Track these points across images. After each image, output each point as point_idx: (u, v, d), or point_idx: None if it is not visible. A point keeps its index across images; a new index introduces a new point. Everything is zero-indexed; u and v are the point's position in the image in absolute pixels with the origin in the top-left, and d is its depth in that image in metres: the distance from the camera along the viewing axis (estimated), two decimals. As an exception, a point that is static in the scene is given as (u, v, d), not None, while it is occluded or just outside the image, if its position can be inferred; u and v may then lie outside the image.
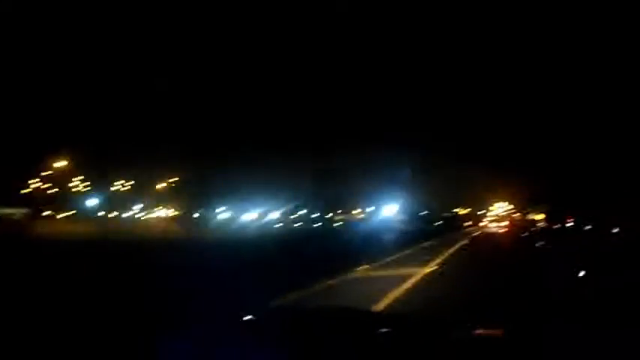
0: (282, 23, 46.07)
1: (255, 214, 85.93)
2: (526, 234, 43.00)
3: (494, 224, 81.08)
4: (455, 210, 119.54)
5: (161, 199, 72.78)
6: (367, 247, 24.56)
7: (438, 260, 18.77)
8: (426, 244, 29.32)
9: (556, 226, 57.54)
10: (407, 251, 23.13)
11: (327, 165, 75.22)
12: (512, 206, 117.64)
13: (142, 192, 68.30)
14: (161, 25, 46.45)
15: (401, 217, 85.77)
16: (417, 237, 34.05)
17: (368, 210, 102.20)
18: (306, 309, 4.42)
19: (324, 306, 5.16)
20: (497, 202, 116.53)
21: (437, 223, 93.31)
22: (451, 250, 24.08)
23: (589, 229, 42.93)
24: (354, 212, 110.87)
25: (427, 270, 14.66)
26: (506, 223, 76.72)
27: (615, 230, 33.88)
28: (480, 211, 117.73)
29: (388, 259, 18.28)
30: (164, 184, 69.91)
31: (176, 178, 69.12)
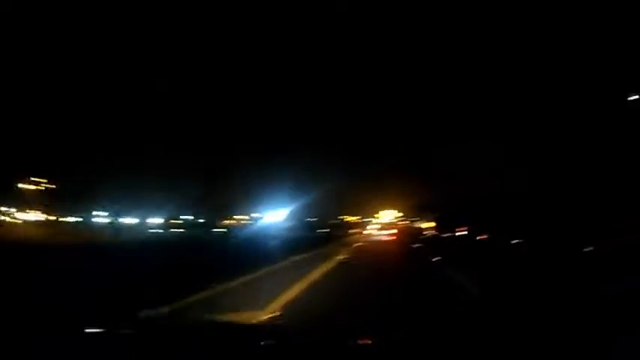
0: (281, 23, 46.30)
1: (136, 219, 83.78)
2: (416, 245, 39.29)
3: (384, 232, 75.49)
4: (340, 217, 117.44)
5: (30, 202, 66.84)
6: (234, 259, 23.24)
7: (310, 280, 15.11)
8: (299, 257, 25.17)
9: (445, 235, 52.36)
10: (277, 265, 20.32)
11: (219, 166, 74.00)
12: (401, 214, 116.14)
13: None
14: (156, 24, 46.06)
15: (288, 223, 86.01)
16: (296, 246, 31.99)
17: (254, 215, 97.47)
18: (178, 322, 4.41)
19: (194, 319, 5.44)
20: (386, 209, 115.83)
21: (323, 231, 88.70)
22: (326, 267, 19.69)
23: (483, 239, 37.99)
24: (238, 218, 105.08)
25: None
26: (394, 231, 73.41)
27: (515, 241, 28.90)
28: (368, 217, 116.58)
29: (247, 278, 15.20)
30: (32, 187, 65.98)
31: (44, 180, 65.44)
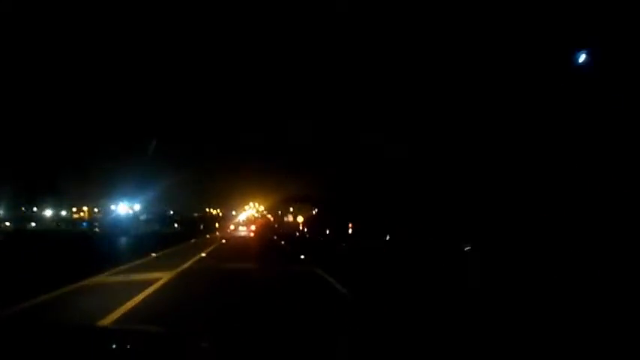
0: (281, 23, 46.02)
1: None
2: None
3: (243, 229, 70.63)
4: (195, 214, 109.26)
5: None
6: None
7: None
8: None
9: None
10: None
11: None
12: (262, 208, 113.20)
13: None
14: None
15: (141, 217, 79.06)
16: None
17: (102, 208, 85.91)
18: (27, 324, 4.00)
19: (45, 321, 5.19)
20: (250, 202, 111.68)
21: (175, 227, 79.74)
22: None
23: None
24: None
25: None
26: (254, 227, 69.20)
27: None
28: (230, 211, 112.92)
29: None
30: None
31: None
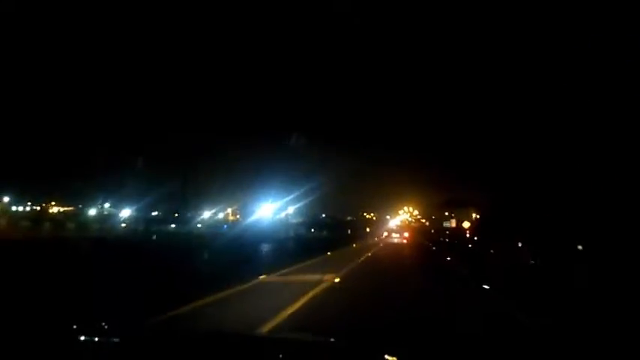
0: (281, 23, 45.49)
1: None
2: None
3: (396, 235, 64.28)
4: (349, 217, 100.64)
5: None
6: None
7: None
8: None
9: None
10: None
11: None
12: (416, 212, 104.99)
13: None
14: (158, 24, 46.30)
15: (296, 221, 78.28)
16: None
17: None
18: (177, 333, 3.82)
19: (196, 330, 4.85)
20: (404, 206, 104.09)
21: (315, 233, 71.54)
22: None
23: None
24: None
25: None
26: (407, 234, 62.29)
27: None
28: (384, 215, 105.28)
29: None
30: None
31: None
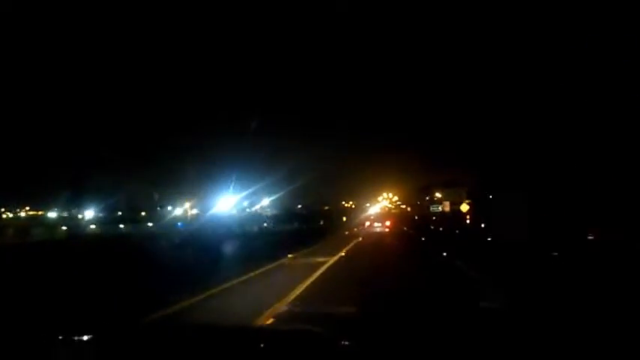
0: (282, 23, 46.69)
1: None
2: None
3: (378, 224, 57.09)
4: (326, 207, 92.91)
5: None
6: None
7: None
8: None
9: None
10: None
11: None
12: (396, 198, 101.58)
13: None
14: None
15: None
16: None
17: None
18: (178, 327, 4.13)
19: (197, 324, 4.84)
20: (383, 192, 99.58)
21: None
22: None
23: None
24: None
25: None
26: (389, 223, 55.59)
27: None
28: (364, 203, 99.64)
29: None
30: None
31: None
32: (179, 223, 72.30)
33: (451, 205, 50.61)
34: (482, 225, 30.46)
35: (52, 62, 46.53)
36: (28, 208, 74.68)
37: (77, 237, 51.66)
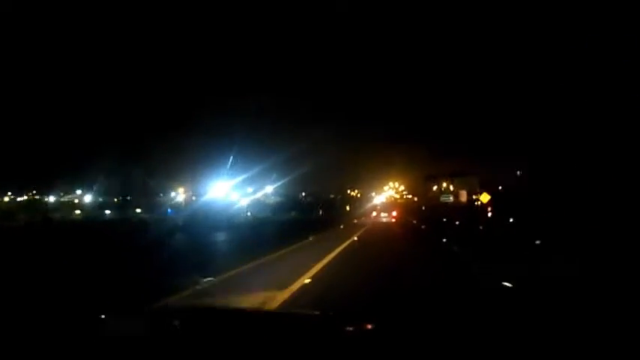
0: (282, 23, 46.60)
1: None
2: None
3: (384, 215, 55.34)
4: (332, 196, 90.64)
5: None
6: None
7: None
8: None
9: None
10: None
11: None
12: (402, 188, 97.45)
13: None
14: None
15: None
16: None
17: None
18: (187, 310, 3.91)
19: (203, 307, 4.84)
20: (389, 182, 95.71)
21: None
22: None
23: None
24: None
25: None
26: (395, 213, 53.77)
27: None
28: (370, 192, 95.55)
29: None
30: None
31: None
32: (169, 210, 67.49)
33: (469, 195, 45.26)
34: (511, 220, 25.23)
35: (45, 54, 46.22)
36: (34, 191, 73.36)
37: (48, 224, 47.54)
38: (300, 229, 26.87)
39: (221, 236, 28.05)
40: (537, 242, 15.02)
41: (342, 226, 36.90)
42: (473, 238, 20.23)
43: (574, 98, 32.70)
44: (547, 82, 38.32)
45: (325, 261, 13.46)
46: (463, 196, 48.37)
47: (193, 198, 71.33)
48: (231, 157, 49.72)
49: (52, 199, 72.11)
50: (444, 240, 18.89)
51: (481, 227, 25.04)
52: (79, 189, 72.59)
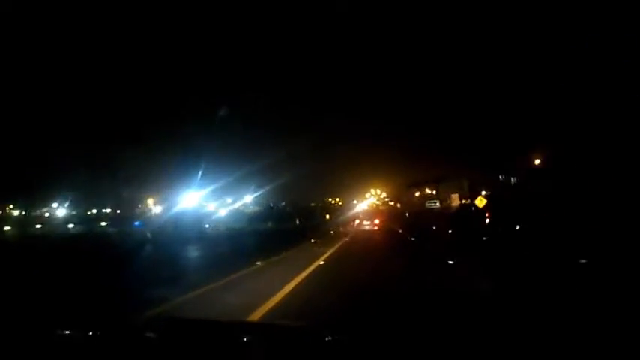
0: (282, 23, 47.48)
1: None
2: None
3: (367, 223, 53.07)
4: (312, 204, 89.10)
5: None
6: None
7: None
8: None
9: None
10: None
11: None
12: (384, 195, 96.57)
13: None
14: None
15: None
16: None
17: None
18: (176, 320, 4.35)
19: (192, 318, 5.17)
20: (370, 189, 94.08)
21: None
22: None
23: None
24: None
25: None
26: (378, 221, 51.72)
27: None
28: (351, 200, 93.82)
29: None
30: None
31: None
32: (136, 223, 63.24)
33: (462, 199, 41.72)
34: (517, 227, 21.57)
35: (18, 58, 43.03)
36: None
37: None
38: (263, 245, 23.15)
39: (184, 251, 24.28)
40: (582, 261, 11.13)
41: (313, 240, 30.67)
42: (481, 254, 16.21)
43: (575, 95, 31.66)
44: (536, 81, 37.72)
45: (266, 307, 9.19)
46: (455, 201, 44.71)
47: (163, 209, 67.64)
48: (202, 167, 47.36)
49: (15, 213, 68.21)
50: (450, 262, 14.29)
51: (485, 238, 21.22)
52: (54, 202, 70.03)
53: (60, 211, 70.46)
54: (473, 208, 31.13)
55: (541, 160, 35.94)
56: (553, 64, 34.61)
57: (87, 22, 44.49)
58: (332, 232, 42.14)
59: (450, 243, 21.94)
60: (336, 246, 25.12)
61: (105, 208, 74.15)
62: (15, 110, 47.88)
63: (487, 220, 27.51)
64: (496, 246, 18.24)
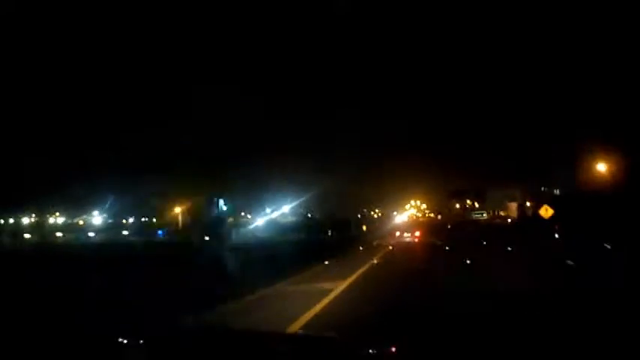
0: (282, 23, 45.45)
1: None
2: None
3: (407, 235, 50.65)
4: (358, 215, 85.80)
5: None
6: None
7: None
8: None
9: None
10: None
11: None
12: (424, 206, 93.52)
13: None
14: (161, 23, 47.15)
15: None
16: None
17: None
18: (211, 330, 4.01)
19: (228, 328, 4.97)
20: (410, 200, 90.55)
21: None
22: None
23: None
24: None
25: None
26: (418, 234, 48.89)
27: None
28: (393, 212, 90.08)
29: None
30: None
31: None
32: (159, 231, 60.02)
33: (520, 208, 36.15)
34: (608, 246, 16.55)
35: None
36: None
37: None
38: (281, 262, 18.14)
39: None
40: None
41: (326, 262, 21.68)
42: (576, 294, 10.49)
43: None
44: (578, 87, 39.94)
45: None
46: (512, 210, 38.33)
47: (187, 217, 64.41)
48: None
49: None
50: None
51: (570, 262, 15.64)
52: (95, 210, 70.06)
53: (96, 219, 70.50)
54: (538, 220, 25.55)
55: (607, 169, 30.37)
56: (595, 68, 35.48)
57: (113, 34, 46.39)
58: (361, 247, 36.54)
59: (515, 266, 16.41)
60: (360, 271, 17.40)
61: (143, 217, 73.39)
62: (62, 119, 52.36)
63: (556, 235, 22.40)
64: (593, 276, 12.54)
